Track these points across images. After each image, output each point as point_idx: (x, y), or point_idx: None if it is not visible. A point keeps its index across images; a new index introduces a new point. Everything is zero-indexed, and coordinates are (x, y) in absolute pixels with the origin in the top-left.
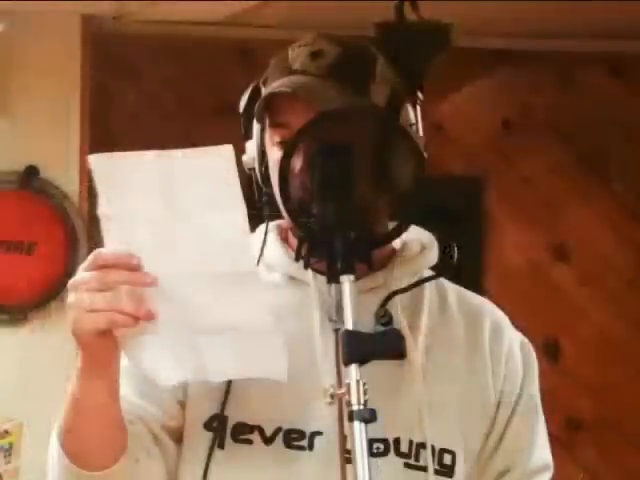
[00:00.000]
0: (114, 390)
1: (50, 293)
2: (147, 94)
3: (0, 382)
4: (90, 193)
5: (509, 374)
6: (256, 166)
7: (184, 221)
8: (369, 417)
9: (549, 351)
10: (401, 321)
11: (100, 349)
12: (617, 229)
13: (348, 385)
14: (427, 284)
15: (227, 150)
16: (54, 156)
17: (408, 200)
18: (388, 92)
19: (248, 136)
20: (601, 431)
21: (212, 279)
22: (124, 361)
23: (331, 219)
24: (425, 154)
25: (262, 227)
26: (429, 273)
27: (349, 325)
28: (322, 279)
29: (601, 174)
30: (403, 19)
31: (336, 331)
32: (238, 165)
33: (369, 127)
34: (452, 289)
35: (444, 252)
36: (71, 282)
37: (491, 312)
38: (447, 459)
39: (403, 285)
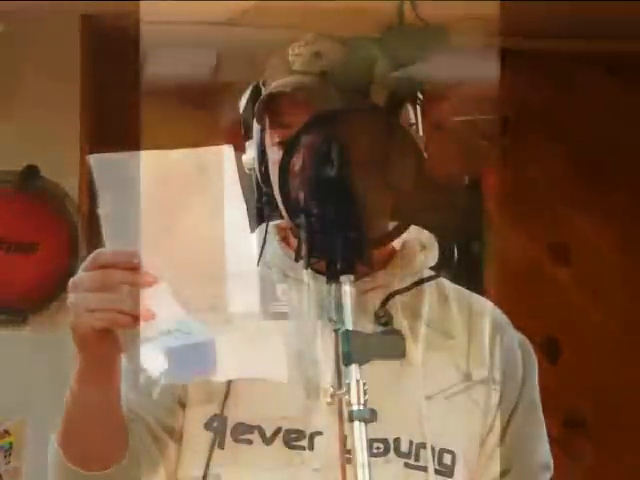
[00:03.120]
0: (115, 391)
1: (50, 293)
2: (147, 94)
3: (0, 382)
4: (90, 193)
5: (509, 373)
6: (256, 166)
7: (184, 221)
8: (369, 417)
9: (549, 351)
10: (401, 321)
11: (101, 349)
12: (617, 229)
13: (348, 385)
14: (427, 284)
15: (227, 150)
16: (54, 156)
17: (408, 200)
18: (388, 92)
19: (248, 136)
20: (601, 431)
21: (212, 279)
22: (124, 361)
23: (331, 219)
24: (425, 154)
25: (262, 227)
26: (429, 273)
27: (349, 325)
28: (322, 279)
29: (601, 174)
30: (403, 19)
31: (336, 331)
32: (238, 165)
33: (369, 127)
34: (452, 289)
35: (444, 252)
36: (71, 282)
37: (491, 312)
38: (447, 459)
39: (403, 285)
